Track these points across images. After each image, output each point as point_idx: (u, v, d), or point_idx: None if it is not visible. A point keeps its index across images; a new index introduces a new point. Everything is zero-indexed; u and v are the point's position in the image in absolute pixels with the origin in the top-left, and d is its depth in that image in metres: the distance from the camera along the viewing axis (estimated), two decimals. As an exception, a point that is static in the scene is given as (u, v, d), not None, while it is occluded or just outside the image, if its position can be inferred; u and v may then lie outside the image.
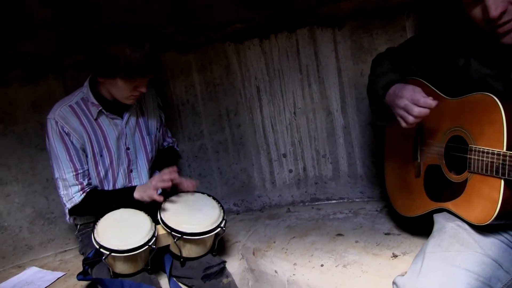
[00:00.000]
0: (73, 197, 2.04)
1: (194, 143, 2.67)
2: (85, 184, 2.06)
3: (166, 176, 1.96)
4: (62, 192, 2.05)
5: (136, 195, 2.02)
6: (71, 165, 2.03)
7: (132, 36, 1.84)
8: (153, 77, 1.98)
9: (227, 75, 2.59)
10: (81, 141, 2.04)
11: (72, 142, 2.01)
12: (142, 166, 2.22)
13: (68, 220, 2.17)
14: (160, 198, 1.95)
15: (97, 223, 1.90)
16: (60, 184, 2.05)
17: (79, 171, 2.05)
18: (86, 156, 2.08)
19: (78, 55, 2.40)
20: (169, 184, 1.97)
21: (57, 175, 2.05)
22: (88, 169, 2.10)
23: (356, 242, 2.04)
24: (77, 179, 2.04)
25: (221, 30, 2.50)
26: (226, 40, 2.55)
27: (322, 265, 1.91)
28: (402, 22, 2.22)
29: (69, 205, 2.05)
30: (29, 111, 2.42)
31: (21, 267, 2.42)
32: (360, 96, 2.44)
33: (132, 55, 1.80)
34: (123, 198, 2.05)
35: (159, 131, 2.31)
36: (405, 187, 1.83)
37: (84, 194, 2.06)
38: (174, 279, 1.98)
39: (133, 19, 2.03)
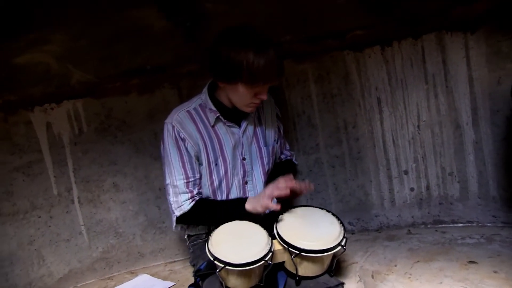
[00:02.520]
0: (182, 204, 2.05)
1: (309, 157, 2.62)
2: (195, 192, 2.07)
3: (282, 183, 1.90)
4: (172, 199, 2.07)
5: (248, 206, 1.97)
6: (183, 172, 2.04)
7: (257, 41, 1.81)
8: (275, 84, 1.94)
9: (346, 85, 2.52)
10: (196, 148, 2.05)
11: (186, 149, 2.03)
12: (258, 178, 2.18)
13: (174, 229, 2.16)
14: (277, 207, 1.88)
15: (211, 234, 1.89)
16: (171, 190, 2.06)
17: (191, 179, 2.06)
18: (201, 164, 2.09)
19: (193, 65, 2.47)
20: (286, 192, 1.90)
21: (168, 181, 2.06)
22: (199, 178, 2.10)
23: (495, 272, 1.85)
24: (188, 187, 2.05)
25: (339, 37, 2.44)
26: (345, 48, 2.49)
27: (454, 295, 1.75)
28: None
29: (177, 213, 2.06)
30: (145, 120, 2.53)
31: (133, 273, 2.52)
32: (495, 108, 2.27)
33: (255, 60, 1.77)
34: (234, 209, 2.02)
35: (277, 143, 2.26)
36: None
37: (194, 202, 2.06)
38: (287, 298, 1.92)
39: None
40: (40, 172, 2.42)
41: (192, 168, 2.06)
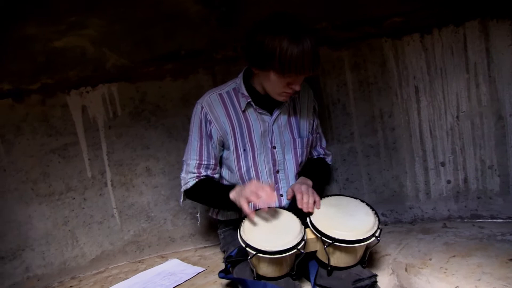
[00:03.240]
0: (188, 182, 2.11)
1: (343, 146, 2.57)
2: (203, 174, 2.11)
3: (261, 193, 1.79)
4: (183, 174, 2.14)
5: (232, 195, 1.94)
6: (198, 154, 2.08)
7: (294, 28, 1.75)
8: (309, 75, 1.88)
9: (382, 74, 2.46)
10: (222, 132, 2.04)
11: (208, 132, 2.04)
12: (290, 168, 2.14)
13: (181, 203, 2.24)
14: (251, 215, 1.84)
15: (243, 220, 1.88)
16: (184, 166, 2.14)
17: (203, 163, 2.09)
18: (227, 149, 2.09)
19: (228, 50, 2.46)
20: (264, 207, 1.86)
21: (184, 157, 2.14)
22: (215, 164, 2.12)
23: (538, 271, 1.77)
24: (198, 169, 2.10)
25: (377, 24, 2.38)
26: (382, 36, 2.43)
27: (493, 293, 1.69)
28: None
29: (183, 189, 2.14)
30: (178, 105, 2.53)
31: (164, 258, 2.54)
32: (542, 99, 2.16)
33: (289, 49, 1.73)
34: (222, 195, 1.99)
35: (312, 135, 2.21)
36: None
37: (196, 180, 2.10)
38: (318, 288, 1.89)
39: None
40: (75, 155, 2.45)
41: (208, 153, 2.08)
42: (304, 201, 1.89)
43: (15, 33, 2.21)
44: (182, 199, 2.20)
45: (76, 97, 2.42)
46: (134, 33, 2.35)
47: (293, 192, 1.97)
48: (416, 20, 2.33)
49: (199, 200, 2.25)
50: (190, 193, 2.15)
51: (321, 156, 2.33)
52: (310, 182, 2.06)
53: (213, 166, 2.12)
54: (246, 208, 1.82)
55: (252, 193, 1.80)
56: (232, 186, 2.00)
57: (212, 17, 2.37)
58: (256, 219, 1.87)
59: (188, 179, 2.11)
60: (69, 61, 2.35)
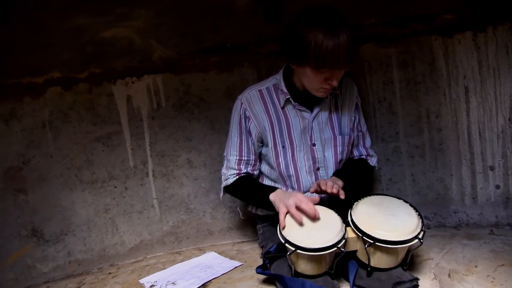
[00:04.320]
0: (228, 178, 2.11)
1: (387, 145, 2.51)
2: (243, 171, 2.11)
3: (304, 207, 1.78)
4: (223, 170, 2.16)
5: (272, 197, 1.92)
6: (238, 150, 2.09)
7: (330, 20, 1.71)
8: (344, 71, 1.83)
9: (431, 73, 2.39)
10: (260, 128, 2.03)
11: (247, 128, 2.04)
12: (330, 166, 2.10)
13: (221, 198, 2.26)
14: (282, 224, 1.78)
15: (284, 216, 1.87)
16: (225, 162, 2.15)
17: (243, 159, 2.09)
18: (266, 145, 2.07)
19: (273, 45, 2.44)
20: (312, 213, 1.78)
21: (225, 152, 2.16)
22: (255, 159, 2.12)
23: None
24: (238, 165, 2.10)
25: (427, 21, 2.33)
26: (432, 33, 2.36)
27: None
28: None
29: (223, 185, 2.15)
30: (222, 98, 2.52)
31: (201, 250, 2.54)
32: None
33: (324, 43, 1.68)
34: (261, 194, 1.98)
35: (354, 132, 2.17)
36: None
37: (237, 177, 2.10)
38: (357, 289, 1.85)
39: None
40: (119, 144, 2.48)
41: (248, 148, 2.08)
42: (329, 184, 1.87)
43: (66, 24, 2.28)
44: (222, 193, 2.21)
45: (122, 87, 2.45)
46: (181, 25, 2.38)
47: (317, 185, 1.93)
48: (469, 17, 2.26)
49: (238, 197, 2.25)
50: (230, 189, 2.16)
51: (362, 156, 2.25)
52: (340, 183, 1.98)
53: (253, 162, 2.12)
54: (282, 218, 1.80)
55: (293, 206, 1.79)
56: (272, 187, 2.01)
57: (259, 11, 2.37)
58: (297, 215, 1.85)
59: (229, 176, 2.11)
60: (116, 52, 2.39)
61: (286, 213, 1.81)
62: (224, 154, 2.16)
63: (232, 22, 2.40)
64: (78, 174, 2.44)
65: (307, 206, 1.78)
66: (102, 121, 2.45)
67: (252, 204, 2.25)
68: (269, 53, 2.46)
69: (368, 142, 2.26)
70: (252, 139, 2.07)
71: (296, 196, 1.84)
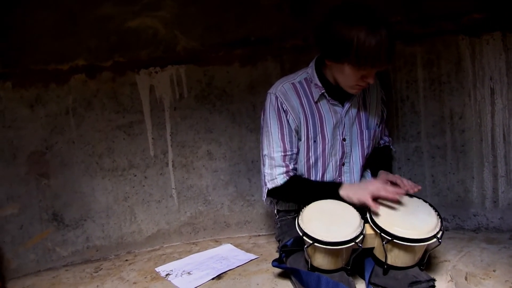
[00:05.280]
0: (276, 178, 2.02)
1: (408, 145, 2.49)
2: (290, 167, 2.03)
3: (391, 189, 1.83)
4: (267, 170, 2.05)
5: (343, 192, 1.90)
6: (281, 145, 2.01)
7: (371, 18, 1.71)
8: (385, 68, 1.83)
9: (456, 73, 2.36)
10: (297, 121, 2.01)
11: (287, 121, 1.99)
12: (356, 161, 2.11)
13: (264, 201, 2.18)
14: (377, 208, 1.80)
15: (302, 210, 1.87)
16: (267, 161, 2.04)
17: (288, 153, 2.02)
18: (299, 139, 2.05)
19: (298, 39, 2.44)
20: (393, 197, 1.82)
21: (266, 151, 2.04)
22: (297, 153, 2.06)
23: None
24: (284, 161, 2.01)
25: (454, 20, 2.31)
26: (459, 32, 2.33)
27: None
28: None
29: (270, 186, 2.04)
30: (244, 91, 2.53)
31: (218, 242, 2.56)
32: None
33: (366, 41, 1.67)
34: (327, 193, 1.95)
35: (379, 127, 2.17)
36: None
37: (288, 178, 2.03)
38: (372, 287, 1.84)
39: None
40: (140, 133, 2.51)
41: (291, 142, 2.02)
42: (409, 184, 1.90)
43: (93, 12, 2.31)
44: (264, 196, 2.13)
45: (145, 77, 2.47)
46: (206, 17, 2.39)
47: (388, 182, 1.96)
48: (499, 17, 2.23)
49: (287, 199, 2.17)
50: (278, 190, 2.05)
51: (386, 143, 2.30)
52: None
53: (295, 156, 2.06)
54: (372, 203, 1.80)
55: (381, 189, 1.82)
56: (333, 183, 2.04)
57: (285, 5, 2.37)
58: (315, 209, 1.85)
59: (276, 175, 2.02)
60: (140, 41, 2.41)
61: (373, 199, 1.82)
62: (265, 153, 2.04)
63: (256, 15, 2.40)
64: (99, 162, 2.47)
65: (387, 194, 1.81)
66: (124, 110, 2.47)
67: (304, 203, 2.01)
68: (292, 47, 2.45)
69: (386, 131, 2.32)
70: (292, 131, 2.02)
71: (377, 182, 1.91)
